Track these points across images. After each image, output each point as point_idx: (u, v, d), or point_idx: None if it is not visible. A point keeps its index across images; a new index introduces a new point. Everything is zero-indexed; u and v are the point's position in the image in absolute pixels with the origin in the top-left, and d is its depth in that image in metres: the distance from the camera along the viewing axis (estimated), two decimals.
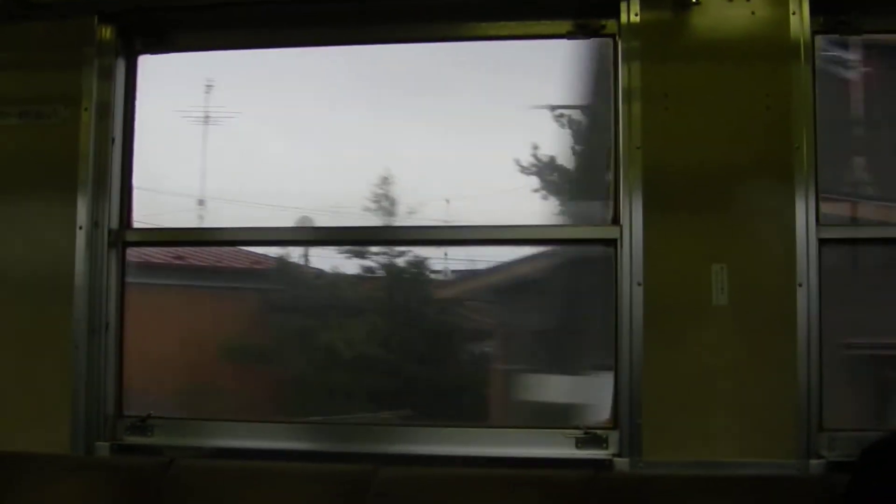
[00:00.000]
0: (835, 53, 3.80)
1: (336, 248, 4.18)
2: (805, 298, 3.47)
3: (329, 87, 4.11)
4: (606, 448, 3.63)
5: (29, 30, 3.98)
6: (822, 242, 3.54)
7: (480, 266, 4.27)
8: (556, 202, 4.23)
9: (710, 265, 3.51)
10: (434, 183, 4.03)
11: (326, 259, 4.24)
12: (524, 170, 4.02)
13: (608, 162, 3.76)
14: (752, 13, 3.60)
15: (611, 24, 3.76)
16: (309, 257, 4.27)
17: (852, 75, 3.88)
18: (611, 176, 3.73)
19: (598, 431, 3.66)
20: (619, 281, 3.62)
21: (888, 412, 3.81)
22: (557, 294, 4.17)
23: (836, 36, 3.72)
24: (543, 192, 4.08)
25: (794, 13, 3.56)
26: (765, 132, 3.55)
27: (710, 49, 3.62)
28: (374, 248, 4.16)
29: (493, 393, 4.22)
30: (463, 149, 3.98)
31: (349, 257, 4.19)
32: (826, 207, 3.62)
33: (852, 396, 3.84)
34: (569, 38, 3.83)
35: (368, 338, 4.17)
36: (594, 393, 3.89)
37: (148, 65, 4.13)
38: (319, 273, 4.28)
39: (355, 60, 4.10)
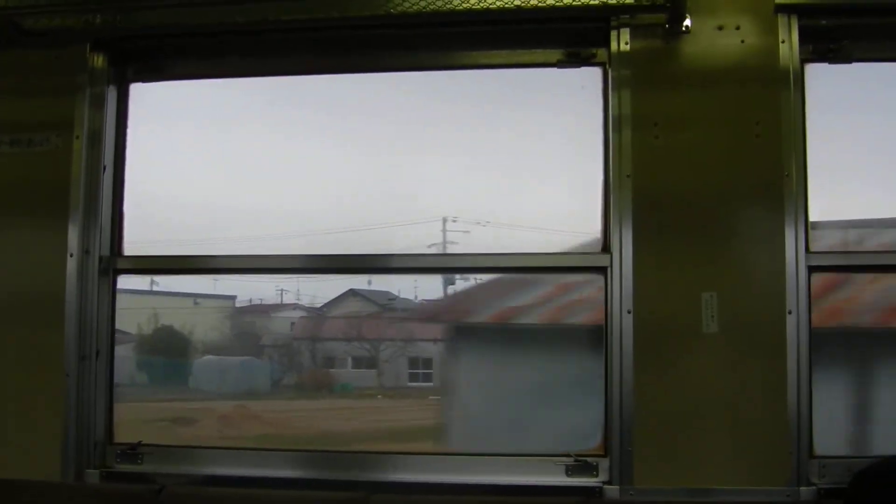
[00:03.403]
0: None
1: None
2: (795, 326, 3.47)
3: (305, 116, 4.15)
4: (597, 476, 3.63)
5: (21, 57, 3.99)
6: (812, 270, 3.54)
7: None
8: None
9: (700, 293, 3.52)
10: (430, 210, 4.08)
11: None
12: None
13: None
14: (742, 41, 3.61)
15: (601, 53, 3.77)
16: None
17: None
18: (601, 203, 3.74)
19: (589, 459, 3.65)
20: (609, 308, 3.62)
21: None
22: None
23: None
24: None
25: (783, 41, 3.57)
26: (755, 160, 3.56)
27: (700, 77, 3.64)
28: None
29: None
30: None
31: None
32: None
33: None
34: (559, 67, 3.83)
35: None
36: None
37: None
38: None
39: (341, 89, 4.13)
